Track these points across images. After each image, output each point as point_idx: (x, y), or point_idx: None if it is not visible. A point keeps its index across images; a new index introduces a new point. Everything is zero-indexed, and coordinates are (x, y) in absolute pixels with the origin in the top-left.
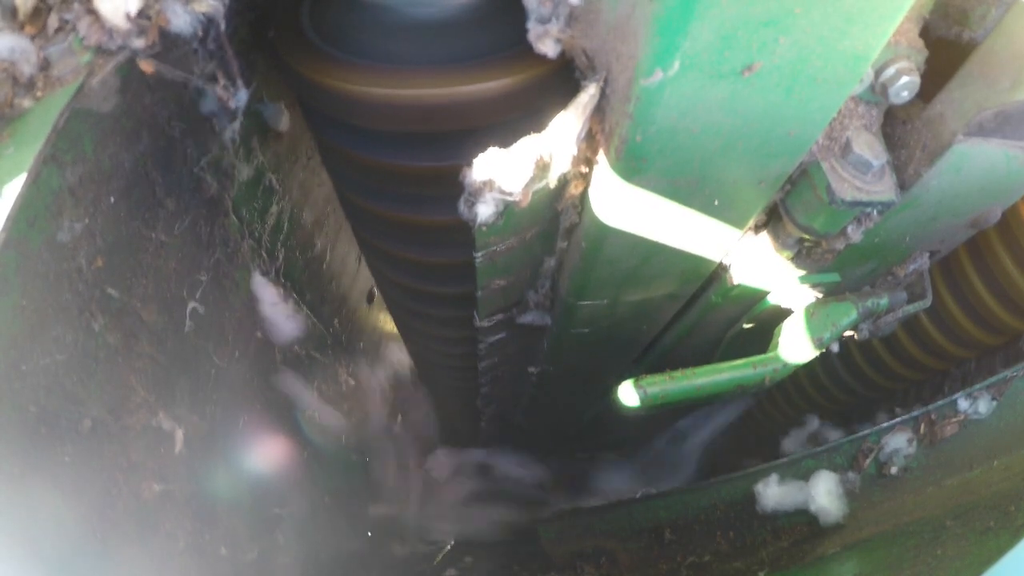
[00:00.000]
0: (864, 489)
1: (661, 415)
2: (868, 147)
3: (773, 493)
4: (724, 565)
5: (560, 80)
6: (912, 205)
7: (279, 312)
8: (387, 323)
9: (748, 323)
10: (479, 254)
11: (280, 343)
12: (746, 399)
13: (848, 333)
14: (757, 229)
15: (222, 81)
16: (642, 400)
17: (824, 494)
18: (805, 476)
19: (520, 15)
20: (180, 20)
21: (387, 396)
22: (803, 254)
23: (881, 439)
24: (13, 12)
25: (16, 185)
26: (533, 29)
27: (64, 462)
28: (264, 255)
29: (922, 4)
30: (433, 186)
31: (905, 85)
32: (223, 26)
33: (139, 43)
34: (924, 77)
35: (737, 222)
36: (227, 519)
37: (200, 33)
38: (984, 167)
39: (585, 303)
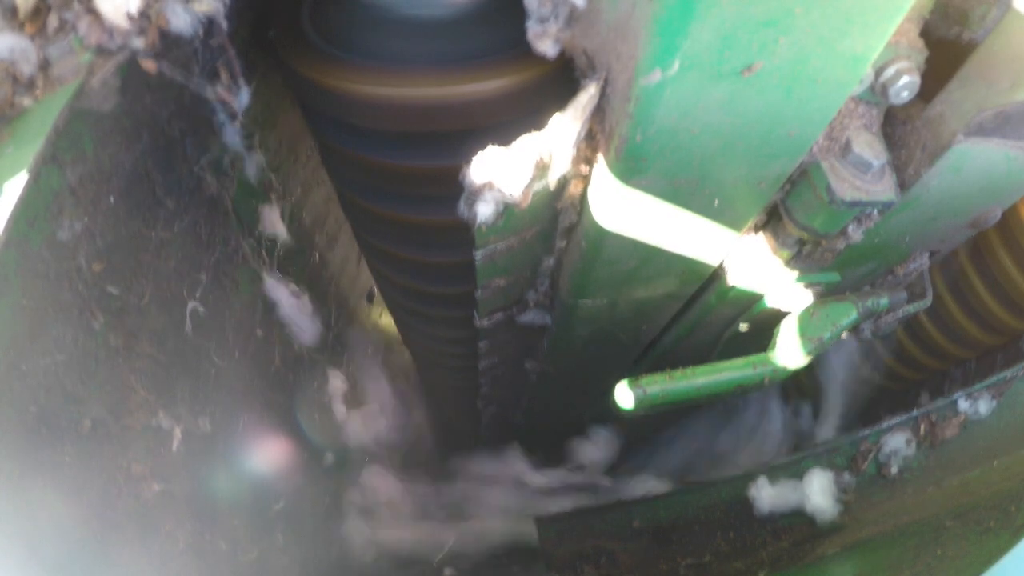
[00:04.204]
0: (864, 489)
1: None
2: (868, 147)
3: (767, 495)
4: (724, 565)
5: (560, 80)
6: (912, 205)
7: (299, 312)
8: (387, 323)
9: (748, 323)
10: (479, 254)
11: (305, 344)
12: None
13: (847, 334)
14: (757, 229)
15: (224, 81)
16: (642, 400)
17: (819, 493)
18: (802, 476)
19: (521, 15)
20: (180, 20)
21: (387, 396)
22: (803, 254)
23: (880, 439)
24: (13, 11)
25: (16, 185)
26: (532, 29)
27: (64, 462)
28: (264, 255)
29: (922, 4)
30: (433, 186)
31: (905, 85)
32: (224, 26)
33: (139, 43)
34: (924, 77)
35: (737, 222)
36: (227, 519)
37: (200, 33)
38: (984, 167)
39: (585, 303)
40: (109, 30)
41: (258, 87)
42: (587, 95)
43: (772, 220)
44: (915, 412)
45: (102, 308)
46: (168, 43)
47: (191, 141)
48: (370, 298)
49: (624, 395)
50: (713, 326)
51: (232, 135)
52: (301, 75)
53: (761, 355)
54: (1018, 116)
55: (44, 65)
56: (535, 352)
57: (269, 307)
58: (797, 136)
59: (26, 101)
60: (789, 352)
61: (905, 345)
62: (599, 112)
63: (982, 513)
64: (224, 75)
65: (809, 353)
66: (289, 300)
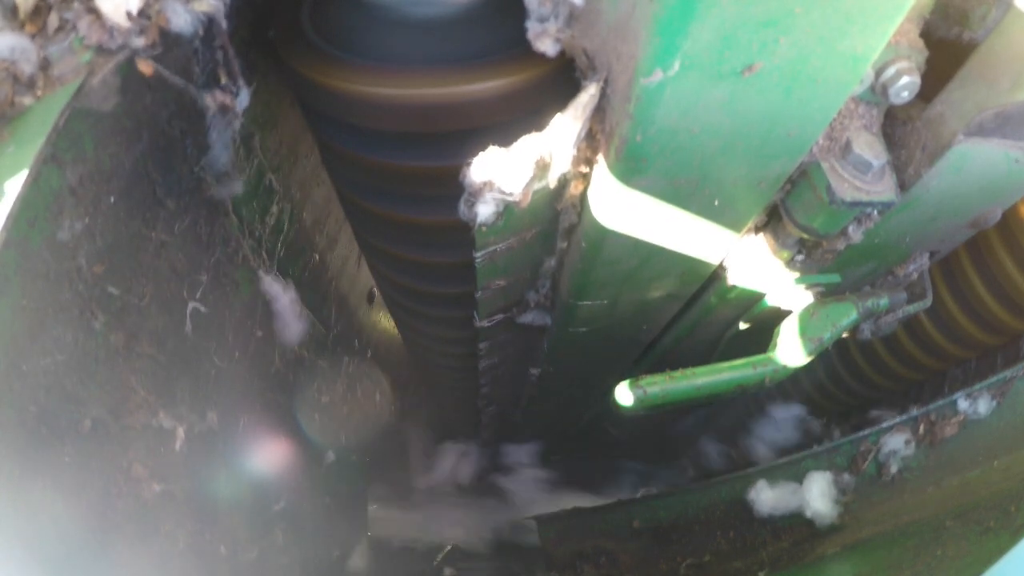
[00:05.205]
0: (863, 489)
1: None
2: (868, 147)
3: (767, 496)
4: (724, 565)
5: (561, 80)
6: (912, 205)
7: (290, 311)
8: (387, 323)
9: (748, 323)
10: (479, 254)
11: (290, 342)
12: (746, 399)
13: (847, 334)
14: (757, 229)
15: (223, 81)
16: (642, 400)
17: (818, 496)
18: (802, 478)
19: (521, 15)
20: (180, 19)
21: (388, 396)
22: (803, 254)
23: (880, 439)
24: (13, 11)
25: (16, 185)
26: (532, 28)
27: (64, 462)
28: (264, 255)
29: (922, 4)
30: (433, 186)
31: (905, 85)
32: (224, 26)
33: (139, 42)
34: (924, 77)
35: (737, 223)
36: (227, 519)
37: (200, 33)
38: (984, 167)
39: (585, 303)
40: (109, 29)
41: (258, 87)
42: (587, 95)
43: (772, 220)
44: (915, 412)
45: (102, 308)
46: (168, 43)
47: (191, 141)
48: (370, 298)
49: (624, 395)
50: (713, 326)
51: (223, 145)
52: (301, 75)
53: (762, 355)
54: (1018, 116)
55: (44, 64)
56: (535, 353)
57: (269, 307)
58: (797, 136)
59: (26, 100)
60: (789, 352)
61: (905, 345)
62: (599, 112)
63: (982, 513)
64: (222, 76)
65: (809, 353)
66: (282, 296)
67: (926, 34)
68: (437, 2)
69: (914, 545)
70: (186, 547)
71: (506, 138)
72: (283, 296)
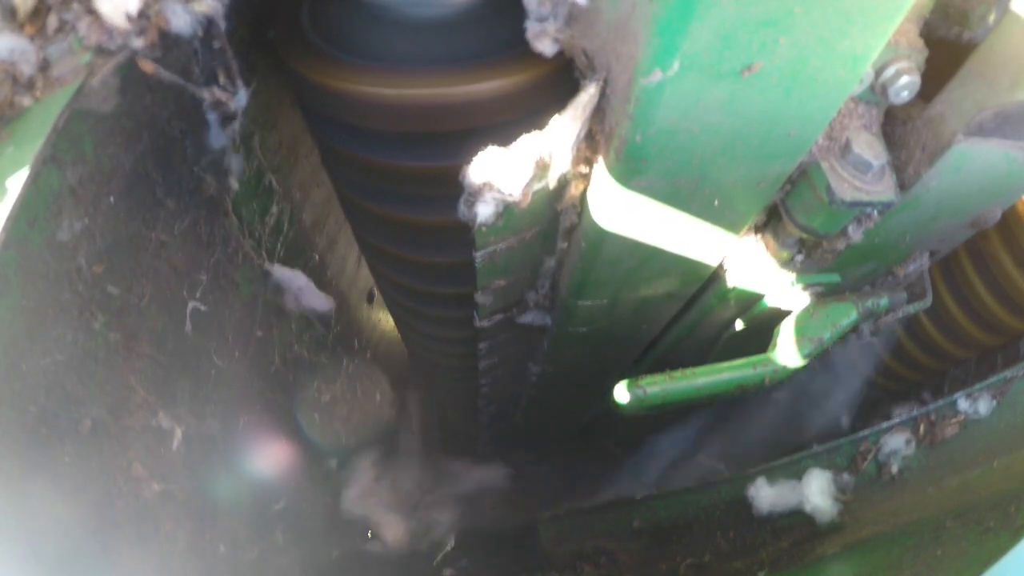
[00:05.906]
0: (863, 489)
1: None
2: (868, 147)
3: (766, 495)
4: (724, 565)
5: (560, 81)
6: (912, 205)
7: (310, 287)
8: (387, 323)
9: (748, 324)
10: (479, 254)
11: (324, 312)
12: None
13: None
14: (757, 229)
15: (222, 81)
16: (642, 400)
17: (818, 492)
18: (801, 476)
19: (520, 15)
20: (180, 20)
21: (387, 396)
22: (803, 254)
23: (880, 439)
24: (13, 12)
25: (16, 185)
26: (531, 28)
27: (64, 462)
28: (264, 256)
29: (922, 4)
30: (433, 186)
31: (905, 85)
32: (223, 26)
33: (139, 43)
34: (924, 77)
35: (737, 223)
36: (227, 519)
37: (200, 33)
38: (984, 167)
39: (585, 303)
40: (109, 30)
41: (258, 87)
42: (587, 95)
43: (772, 220)
44: (915, 412)
45: (102, 308)
46: (167, 43)
47: (191, 141)
48: (370, 299)
49: (624, 396)
50: (713, 326)
51: (220, 137)
52: (301, 75)
53: (761, 355)
54: (1018, 116)
55: (44, 65)
56: (535, 352)
57: (269, 306)
58: (797, 136)
59: (26, 101)
60: (789, 352)
61: (905, 345)
62: (599, 112)
63: (982, 513)
64: (221, 76)
65: (809, 354)
66: (294, 279)
67: (926, 34)
68: (437, 2)
69: (914, 545)
70: (186, 547)
71: (506, 138)
72: (296, 279)
